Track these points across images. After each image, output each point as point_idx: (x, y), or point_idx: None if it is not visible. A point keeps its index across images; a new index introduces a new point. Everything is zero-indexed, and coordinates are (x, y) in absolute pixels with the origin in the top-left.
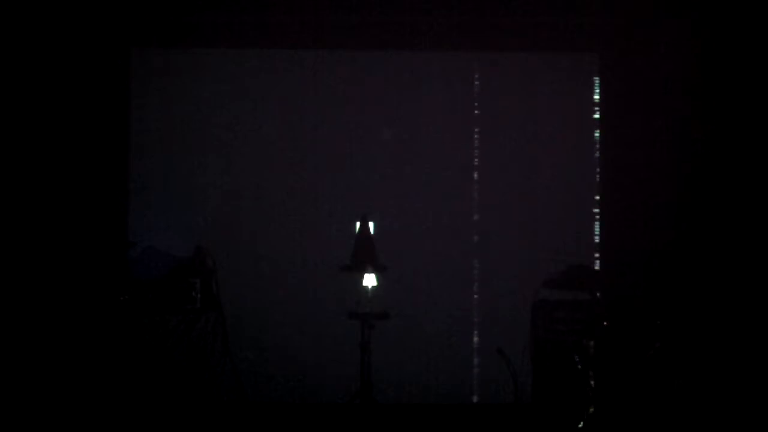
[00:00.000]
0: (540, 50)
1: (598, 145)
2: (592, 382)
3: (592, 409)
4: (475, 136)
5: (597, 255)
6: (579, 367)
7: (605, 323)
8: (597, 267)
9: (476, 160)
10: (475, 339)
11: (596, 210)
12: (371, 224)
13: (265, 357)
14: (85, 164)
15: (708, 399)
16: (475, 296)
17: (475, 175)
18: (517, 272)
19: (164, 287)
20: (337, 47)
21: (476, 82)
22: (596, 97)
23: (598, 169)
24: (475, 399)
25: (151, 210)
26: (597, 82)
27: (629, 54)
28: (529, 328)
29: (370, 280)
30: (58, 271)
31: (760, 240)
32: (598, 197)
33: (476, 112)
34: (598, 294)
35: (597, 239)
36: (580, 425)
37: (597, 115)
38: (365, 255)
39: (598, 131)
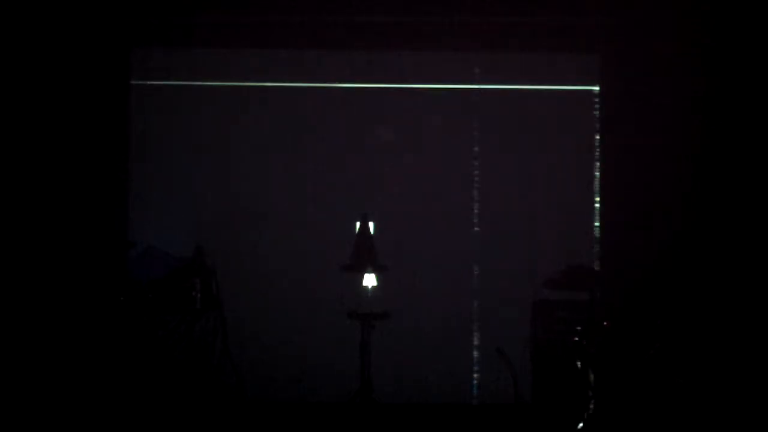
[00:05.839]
0: (540, 51)
1: (598, 146)
2: (592, 382)
3: (592, 409)
4: (476, 135)
5: (597, 255)
6: (579, 367)
7: (605, 323)
8: (597, 267)
9: (476, 159)
10: (475, 339)
11: (596, 210)
12: (371, 224)
13: (265, 357)
14: (85, 165)
15: (708, 399)
16: (475, 296)
17: (475, 175)
18: (517, 272)
19: (164, 287)
20: (337, 47)
21: (476, 83)
22: (596, 97)
23: (598, 169)
24: (475, 399)
25: (151, 210)
26: (597, 82)
27: (629, 54)
28: (529, 328)
29: (370, 280)
30: (59, 271)
31: (760, 240)
32: (598, 197)
33: (476, 112)
34: (598, 294)
35: (597, 239)
36: (580, 425)
37: (597, 116)
38: (365, 255)
39: (598, 131)
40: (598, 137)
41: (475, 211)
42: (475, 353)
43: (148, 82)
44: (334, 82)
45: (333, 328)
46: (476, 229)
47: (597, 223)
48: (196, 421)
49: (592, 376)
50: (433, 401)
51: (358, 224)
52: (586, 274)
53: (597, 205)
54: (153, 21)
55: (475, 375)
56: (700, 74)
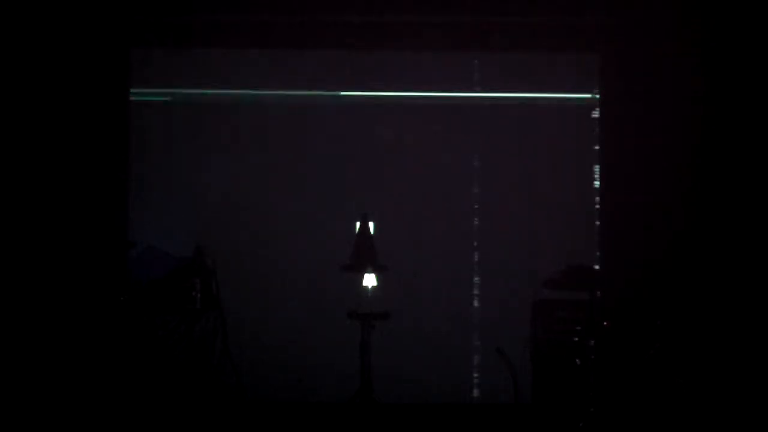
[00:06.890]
0: (540, 51)
1: (598, 146)
2: (592, 382)
3: (592, 409)
4: (476, 135)
5: (597, 255)
6: (579, 367)
7: (605, 323)
8: (597, 267)
9: (476, 159)
10: (475, 339)
11: (596, 210)
12: (371, 224)
13: (265, 357)
14: (85, 164)
15: (708, 399)
16: (475, 296)
17: (475, 175)
18: (517, 272)
19: (164, 287)
20: (337, 47)
21: (476, 82)
22: (596, 97)
23: (598, 170)
24: (474, 399)
25: (151, 210)
26: (597, 82)
27: (629, 54)
28: (529, 328)
29: (370, 280)
30: (59, 271)
31: (760, 240)
32: (598, 198)
33: (476, 112)
34: (598, 294)
35: (597, 239)
36: (580, 425)
37: (597, 115)
38: (365, 255)
39: (598, 131)
40: (598, 137)
41: (475, 210)
42: (475, 353)
43: (148, 83)
44: (334, 82)
45: (333, 328)
46: (476, 229)
47: (597, 223)
48: (196, 421)
49: (592, 376)
50: (433, 401)
51: (358, 224)
52: (586, 274)
53: (597, 205)
54: (152, 21)
55: (475, 375)
56: (700, 74)
